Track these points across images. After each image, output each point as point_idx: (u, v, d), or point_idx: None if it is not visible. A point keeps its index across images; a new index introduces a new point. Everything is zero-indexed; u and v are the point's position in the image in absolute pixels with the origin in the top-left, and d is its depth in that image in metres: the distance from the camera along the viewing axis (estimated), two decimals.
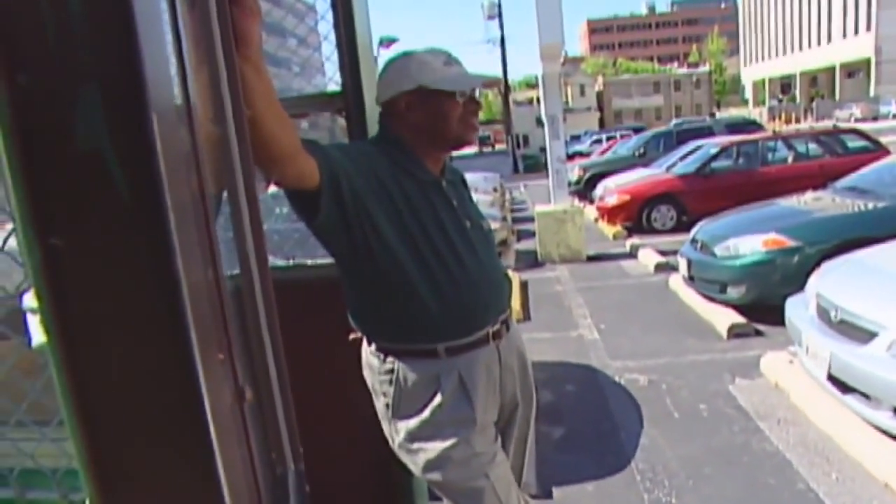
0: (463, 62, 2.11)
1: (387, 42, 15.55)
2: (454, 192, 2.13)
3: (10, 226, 1.17)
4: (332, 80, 2.81)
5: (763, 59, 78.15)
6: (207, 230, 0.86)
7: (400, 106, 2.06)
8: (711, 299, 7.08)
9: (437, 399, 2.01)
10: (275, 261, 3.35)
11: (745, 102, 79.24)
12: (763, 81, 77.63)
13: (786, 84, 74.02)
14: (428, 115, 2.03)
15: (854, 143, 12.84)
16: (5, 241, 1.30)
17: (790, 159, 12.54)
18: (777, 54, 73.93)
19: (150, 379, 0.72)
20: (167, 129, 0.70)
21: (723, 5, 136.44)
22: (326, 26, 2.71)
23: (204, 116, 1.24)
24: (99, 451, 0.72)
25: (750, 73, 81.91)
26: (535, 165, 32.96)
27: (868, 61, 58.10)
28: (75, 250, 0.67)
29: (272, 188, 1.82)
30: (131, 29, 0.64)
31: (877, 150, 12.04)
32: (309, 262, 3.13)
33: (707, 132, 18.70)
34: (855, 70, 62.17)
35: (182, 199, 0.74)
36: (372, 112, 2.18)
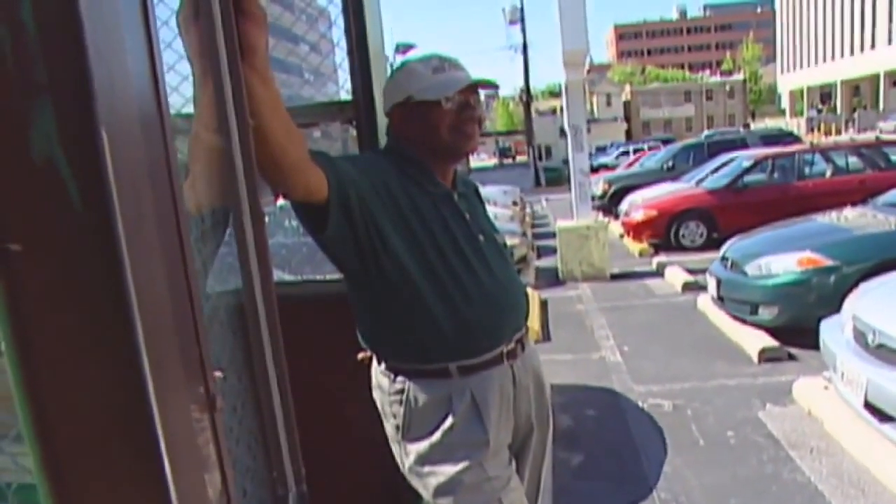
0: (468, 66, 2.12)
1: (403, 48, 15.63)
2: (466, 205, 2.16)
3: None
4: (344, 89, 2.86)
5: (801, 66, 77.62)
6: (180, 243, 0.90)
7: (395, 118, 2.12)
8: (742, 321, 7.07)
9: (449, 421, 2.01)
10: (282, 276, 3.40)
11: (782, 113, 78.61)
12: (801, 90, 77.10)
13: (825, 93, 73.52)
14: (418, 126, 2.06)
15: None
16: None
17: (829, 173, 12.50)
18: (816, 62, 73.41)
19: (98, 388, 0.76)
20: (121, 140, 0.75)
21: (759, 10, 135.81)
22: (338, 32, 2.77)
23: (206, 126, 1.29)
24: (55, 464, 0.76)
25: (787, 82, 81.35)
26: (557, 178, 32.90)
27: None
28: (32, 257, 0.73)
29: (281, 201, 1.86)
30: (81, 47, 0.71)
31: None
32: (318, 277, 3.16)
33: (740, 144, 18.70)
34: None
35: (139, 210, 0.78)
36: (384, 121, 2.22)
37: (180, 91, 2.04)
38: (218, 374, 1.42)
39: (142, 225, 0.80)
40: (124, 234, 0.73)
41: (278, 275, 3.33)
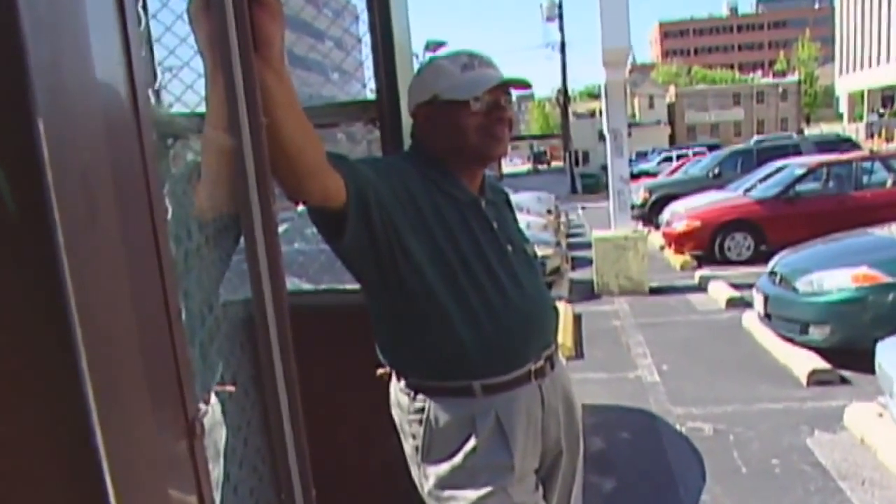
0: (501, 64, 2.11)
1: (434, 45, 15.75)
2: (494, 213, 2.15)
3: None
4: (369, 87, 2.87)
5: (862, 67, 76.37)
6: (156, 253, 0.87)
7: (420, 119, 2.12)
8: (790, 341, 7.00)
9: (472, 442, 2.00)
10: (300, 284, 3.41)
11: (840, 117, 77.65)
12: (861, 93, 75.94)
13: (888, 96, 72.39)
14: (444, 127, 2.06)
15: None
16: None
17: (889, 183, 12.38)
18: (878, 62, 72.26)
19: (33, 418, 0.72)
20: (67, 134, 0.71)
21: (817, 5, 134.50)
22: (363, 28, 2.78)
23: (216, 125, 1.28)
24: None
25: (846, 84, 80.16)
26: (594, 185, 32.92)
27: None
28: None
29: (300, 206, 1.85)
30: (13, 18, 0.65)
31: None
32: (339, 287, 3.16)
33: (793, 151, 18.55)
34: None
35: (90, 215, 0.74)
36: (409, 122, 2.21)
37: (195, 89, 2.05)
38: (230, 388, 1.42)
39: (93, 231, 0.75)
40: (65, 242, 0.68)
41: (295, 283, 3.34)
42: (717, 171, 19.32)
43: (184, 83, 2.23)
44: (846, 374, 6.29)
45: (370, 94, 2.84)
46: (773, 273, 7.65)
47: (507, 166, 58.97)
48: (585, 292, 10.80)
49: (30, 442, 0.73)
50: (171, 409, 0.88)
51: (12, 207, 0.68)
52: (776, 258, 8.02)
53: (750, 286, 8.44)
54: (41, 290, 0.70)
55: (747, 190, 13.81)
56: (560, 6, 38.66)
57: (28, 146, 0.67)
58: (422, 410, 2.05)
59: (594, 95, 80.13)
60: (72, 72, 0.74)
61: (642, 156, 42.87)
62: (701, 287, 10.68)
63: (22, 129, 0.67)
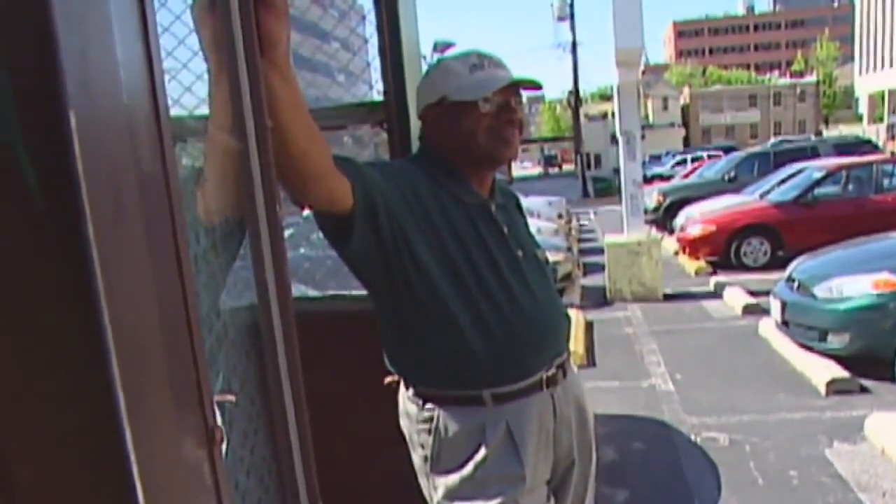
0: (511, 65, 2.11)
1: (442, 46, 15.75)
2: (505, 217, 2.15)
3: None
4: (375, 89, 2.88)
5: (883, 66, 76.01)
6: (176, 253, 0.87)
7: (428, 121, 2.12)
8: (809, 349, 6.99)
9: (482, 452, 2.00)
10: (306, 291, 3.42)
11: (859, 119, 77.18)
12: (882, 94, 75.61)
13: None
14: (453, 129, 2.05)
15: None
16: None
17: None
18: None
19: (59, 423, 0.71)
20: (96, 126, 0.71)
21: (836, 4, 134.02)
22: (370, 28, 2.79)
23: (220, 127, 1.29)
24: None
25: (866, 84, 79.61)
26: (607, 189, 32.89)
27: None
28: None
29: (307, 211, 1.85)
30: (45, 10, 0.65)
31: None
32: (345, 293, 3.17)
33: (811, 153, 18.52)
34: None
35: (117, 210, 0.74)
36: (417, 125, 2.21)
37: (194, 90, 2.06)
38: (230, 398, 1.42)
39: (121, 227, 0.75)
40: (95, 236, 0.68)
41: (301, 290, 3.35)
42: (732, 174, 19.29)
43: (182, 85, 2.24)
44: (866, 382, 6.25)
45: (377, 96, 2.85)
46: (790, 279, 7.63)
47: (518, 169, 58.99)
48: (598, 299, 10.80)
49: (61, 445, 0.72)
50: (193, 415, 0.88)
51: (38, 197, 0.68)
52: (794, 264, 8.00)
53: (767, 293, 8.42)
54: (71, 288, 0.69)
55: (764, 194, 13.78)
56: (571, 5, 38.63)
57: (59, 138, 0.67)
58: (430, 420, 2.05)
59: (606, 97, 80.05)
60: (98, 64, 0.74)
61: (656, 159, 42.84)
62: (716, 293, 10.66)
63: (55, 121, 0.67)
